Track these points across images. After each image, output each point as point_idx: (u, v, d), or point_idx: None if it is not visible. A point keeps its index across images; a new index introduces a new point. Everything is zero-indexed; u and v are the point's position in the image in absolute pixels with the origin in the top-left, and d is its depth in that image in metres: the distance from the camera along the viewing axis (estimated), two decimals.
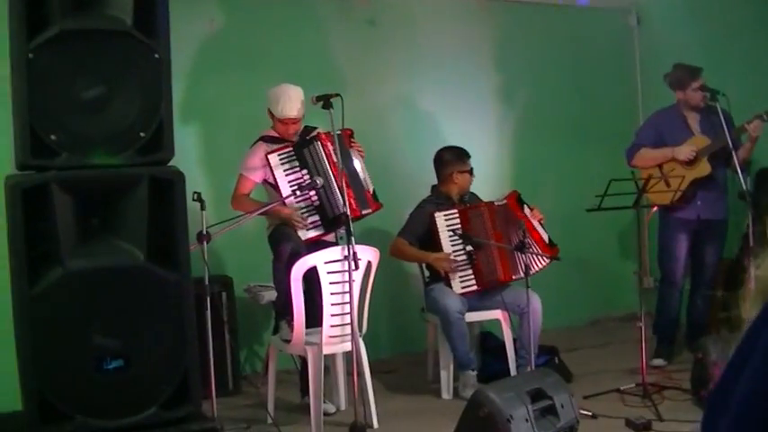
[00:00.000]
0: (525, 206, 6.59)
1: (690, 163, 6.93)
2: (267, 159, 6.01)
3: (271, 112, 6.10)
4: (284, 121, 6.04)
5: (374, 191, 6.30)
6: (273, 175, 6.01)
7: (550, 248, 6.51)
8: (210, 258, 5.36)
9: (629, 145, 7.30)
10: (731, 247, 7.60)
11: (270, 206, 5.94)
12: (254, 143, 6.20)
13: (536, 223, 6.55)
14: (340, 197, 5.78)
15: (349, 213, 5.48)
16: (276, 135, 6.17)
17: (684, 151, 6.92)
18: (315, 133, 6.09)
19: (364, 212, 6.12)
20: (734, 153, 6.43)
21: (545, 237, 6.55)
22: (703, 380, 5.75)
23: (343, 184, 5.76)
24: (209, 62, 7.35)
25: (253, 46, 7.53)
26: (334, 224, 5.97)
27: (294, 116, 6.04)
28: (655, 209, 6.84)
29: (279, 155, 6.03)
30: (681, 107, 7.17)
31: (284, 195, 5.95)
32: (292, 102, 6.01)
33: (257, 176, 6.16)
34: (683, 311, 7.46)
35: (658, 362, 7.23)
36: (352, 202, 5.92)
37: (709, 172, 6.92)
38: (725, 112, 6.79)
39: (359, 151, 6.30)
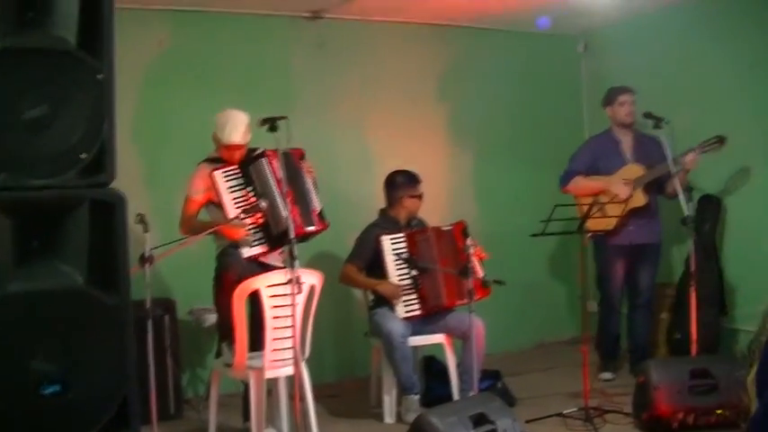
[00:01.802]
0: (469, 239, 6.59)
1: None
2: (212, 177, 5.97)
3: (216, 137, 6.06)
4: (229, 146, 6.01)
5: (322, 210, 6.28)
6: (219, 193, 5.97)
7: (482, 288, 6.47)
8: (154, 281, 5.30)
9: (562, 171, 7.42)
10: (675, 272, 7.68)
11: (217, 226, 5.91)
12: (198, 165, 6.17)
13: (475, 260, 6.52)
14: (284, 214, 5.74)
15: (293, 230, 5.46)
16: (219, 157, 6.13)
17: (620, 188, 7.04)
18: (260, 150, 6.06)
19: (308, 230, 6.07)
20: (676, 180, 6.51)
21: (480, 274, 6.52)
22: (645, 403, 5.79)
23: (287, 201, 5.72)
24: (158, 83, 7.33)
25: (202, 67, 7.51)
26: (277, 241, 5.94)
27: (239, 142, 6.01)
28: (589, 236, 6.91)
29: (224, 172, 6.00)
30: (613, 129, 7.39)
31: (230, 215, 5.91)
32: (238, 128, 5.99)
33: (201, 197, 6.12)
34: (623, 333, 7.58)
35: (606, 375, 7.43)
36: (297, 218, 5.89)
37: (646, 202, 7.06)
38: (655, 138, 7.00)
39: (309, 172, 6.28)
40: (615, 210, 6.86)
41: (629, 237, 7.26)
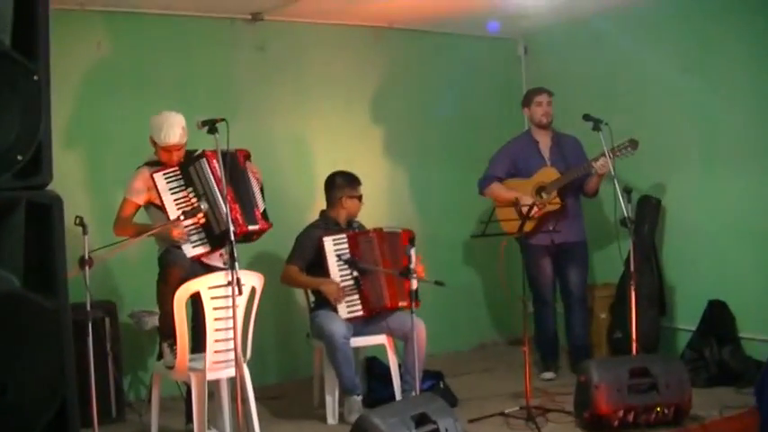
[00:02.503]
0: (413, 250, 6.57)
1: (539, 191, 7.31)
2: (153, 179, 5.95)
3: (153, 140, 6.04)
4: (167, 148, 5.99)
5: (265, 210, 6.27)
6: (159, 195, 5.94)
7: (414, 300, 6.39)
8: (94, 284, 5.27)
9: (481, 175, 7.52)
10: (615, 272, 7.76)
11: (157, 228, 5.88)
12: (138, 168, 6.13)
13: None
14: (225, 213, 5.73)
15: (234, 229, 5.44)
16: (159, 160, 6.10)
17: (527, 203, 7.12)
18: (200, 151, 6.04)
19: (251, 228, 6.05)
20: (615, 180, 6.58)
21: (414, 286, 6.45)
22: (586, 402, 5.83)
23: (228, 200, 5.69)
24: (96, 85, 7.26)
25: (141, 70, 7.46)
26: (219, 240, 5.92)
27: (176, 143, 5.98)
28: (506, 239, 6.98)
29: (164, 174, 5.98)
30: (532, 130, 7.56)
31: (171, 216, 5.88)
32: (174, 128, 5.96)
33: (140, 199, 6.08)
34: (560, 328, 7.65)
35: (548, 375, 7.52)
36: (239, 217, 5.89)
37: (560, 205, 7.16)
38: (572, 139, 7.37)
39: (253, 173, 6.27)
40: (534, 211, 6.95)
41: (550, 236, 7.35)
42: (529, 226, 6.90)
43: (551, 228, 7.14)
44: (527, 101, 7.65)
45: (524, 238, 6.91)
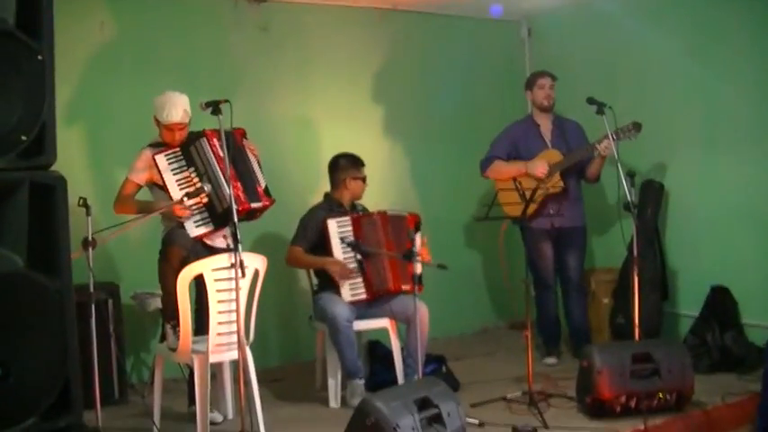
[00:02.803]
0: (418, 234, 6.59)
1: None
2: (154, 160, 5.95)
3: (157, 120, 6.03)
4: (170, 126, 5.98)
5: (267, 187, 6.25)
6: (161, 175, 5.94)
7: (417, 284, 6.39)
8: (97, 265, 5.26)
9: (483, 156, 7.48)
10: (617, 257, 7.74)
11: (162, 208, 5.87)
12: (141, 149, 6.12)
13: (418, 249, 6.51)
14: (227, 191, 5.72)
15: (237, 207, 5.43)
16: (162, 142, 6.10)
17: (537, 167, 7.15)
18: (200, 131, 6.03)
19: (254, 205, 6.04)
20: (618, 164, 6.56)
21: (418, 271, 6.45)
22: (588, 387, 5.83)
23: (230, 178, 5.67)
24: (99, 66, 7.23)
25: (144, 50, 7.43)
26: (222, 219, 5.91)
27: (179, 121, 5.97)
28: (507, 222, 6.96)
29: (166, 155, 5.98)
30: (534, 114, 7.54)
31: (174, 197, 5.88)
32: (176, 108, 5.95)
33: (141, 179, 6.08)
34: (561, 311, 7.67)
35: (551, 360, 7.51)
36: (241, 195, 5.88)
37: (562, 187, 7.14)
38: (573, 123, 7.35)
39: (251, 149, 6.26)
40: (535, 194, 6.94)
41: (551, 220, 7.36)
42: (530, 209, 6.89)
43: (552, 212, 7.14)
44: (530, 84, 7.65)
45: (525, 221, 6.91)
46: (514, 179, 7.27)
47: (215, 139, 5.94)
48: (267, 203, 6.19)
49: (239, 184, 5.94)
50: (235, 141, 6.04)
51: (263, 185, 6.22)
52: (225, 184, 5.80)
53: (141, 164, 6.08)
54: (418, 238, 6.57)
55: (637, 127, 6.82)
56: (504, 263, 6.54)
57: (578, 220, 7.53)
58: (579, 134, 7.46)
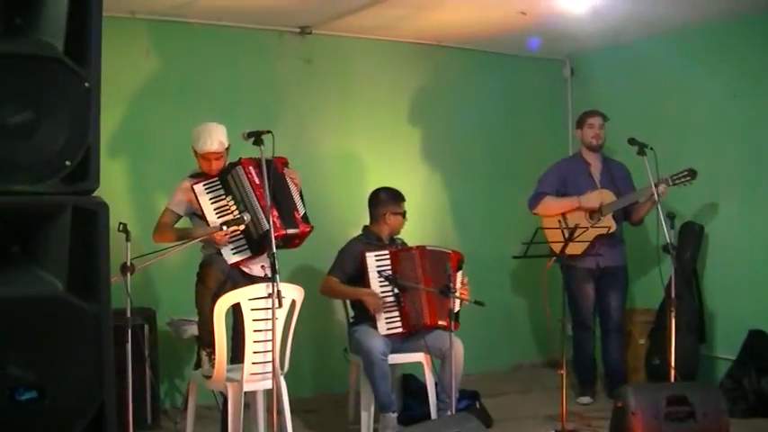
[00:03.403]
0: (460, 273, 6.61)
1: (593, 216, 7.17)
2: (193, 190, 6.00)
3: (194, 150, 6.10)
4: (206, 156, 6.04)
5: (305, 214, 6.27)
6: (200, 204, 5.99)
7: (454, 321, 6.37)
8: (134, 290, 5.31)
9: (531, 192, 7.48)
10: (654, 298, 7.71)
11: (199, 237, 5.92)
12: (181, 180, 6.21)
13: (458, 289, 6.53)
14: (264, 218, 5.77)
15: (273, 233, 5.46)
16: (201, 172, 6.16)
17: (591, 199, 7.15)
18: (237, 160, 6.08)
19: (290, 232, 6.04)
20: (659, 207, 6.55)
21: (455, 309, 6.44)
22: (621, 428, 5.77)
23: (267, 204, 5.70)
24: (144, 94, 7.33)
25: (189, 79, 7.52)
26: (258, 246, 5.94)
27: (214, 150, 6.03)
28: (553, 259, 6.94)
29: (204, 184, 6.04)
30: (583, 152, 7.53)
31: (211, 223, 5.93)
32: (212, 137, 6.02)
33: (180, 209, 6.17)
34: (598, 357, 7.59)
35: (585, 399, 7.48)
36: (277, 221, 5.89)
37: (615, 228, 7.14)
38: (620, 165, 7.39)
39: (291, 178, 6.29)
40: (586, 233, 6.91)
41: (597, 260, 7.36)
42: (578, 249, 6.90)
43: (599, 252, 7.14)
44: (580, 122, 7.64)
45: (569, 259, 6.90)
46: (562, 217, 7.25)
47: (251, 167, 5.99)
48: (305, 230, 6.20)
49: (275, 211, 5.97)
50: (275, 168, 6.08)
51: (301, 212, 6.24)
52: (261, 211, 5.85)
53: (180, 194, 6.16)
54: (459, 277, 6.57)
55: (692, 173, 6.83)
56: (547, 301, 6.49)
57: (622, 259, 7.53)
58: (626, 176, 7.44)
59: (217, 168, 6.10)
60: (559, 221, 7.25)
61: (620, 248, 7.52)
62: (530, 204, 7.55)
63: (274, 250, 5.32)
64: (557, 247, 6.77)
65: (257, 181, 5.92)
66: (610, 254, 7.35)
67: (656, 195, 6.82)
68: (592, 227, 6.87)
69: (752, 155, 7.44)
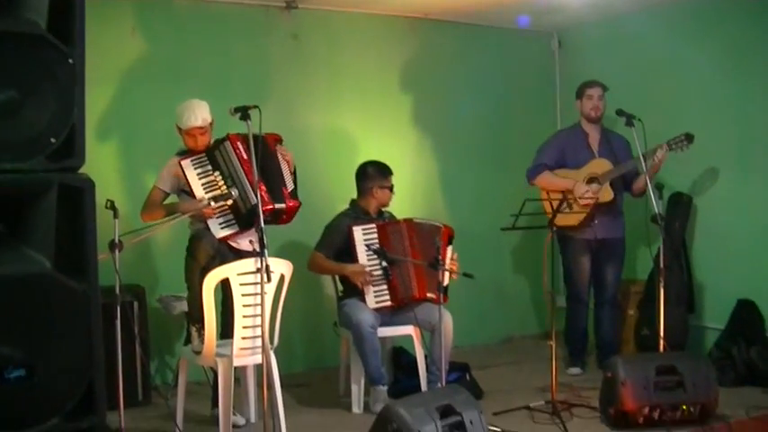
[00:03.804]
0: (450, 247, 6.63)
1: (591, 182, 7.21)
2: (180, 166, 6.00)
3: (178, 128, 6.11)
4: (190, 131, 6.05)
5: (294, 190, 6.27)
6: (187, 179, 5.99)
7: (443, 294, 6.40)
8: (123, 268, 5.30)
9: (530, 164, 7.46)
10: (643, 269, 7.73)
11: (188, 211, 5.93)
12: (170, 159, 6.20)
13: (448, 264, 6.56)
14: (252, 192, 5.78)
15: (261, 207, 5.45)
16: (188, 149, 6.17)
17: (582, 192, 7.10)
18: (225, 135, 6.07)
19: (277, 206, 6.03)
20: (647, 178, 6.56)
21: (445, 282, 6.48)
22: (612, 398, 5.82)
23: (255, 179, 5.69)
24: (130, 72, 7.29)
25: (174, 57, 7.47)
26: (246, 220, 5.94)
27: (199, 125, 6.04)
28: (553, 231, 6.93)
29: (191, 160, 6.04)
30: (582, 123, 7.48)
31: (199, 198, 5.93)
32: (195, 113, 6.03)
33: (167, 186, 6.17)
34: (590, 325, 7.61)
35: (575, 370, 7.47)
36: (265, 195, 5.88)
37: (612, 197, 7.11)
38: (619, 136, 7.26)
39: (284, 155, 6.28)
40: (582, 206, 6.93)
41: (595, 231, 7.34)
42: (576, 219, 6.89)
43: (596, 222, 7.14)
44: (579, 93, 7.56)
45: (567, 230, 6.88)
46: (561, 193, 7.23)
47: (239, 143, 5.99)
48: (292, 205, 6.19)
49: (263, 186, 5.95)
50: (267, 145, 6.07)
51: (289, 188, 6.23)
52: (249, 185, 5.86)
53: (168, 171, 6.16)
54: (449, 252, 6.59)
55: (689, 138, 6.81)
56: (546, 274, 6.48)
57: (620, 232, 7.49)
58: (625, 146, 7.34)
59: (202, 144, 6.09)
60: (563, 194, 7.18)
61: (620, 220, 7.50)
62: (528, 176, 7.51)
63: (263, 224, 5.31)
64: (561, 220, 6.78)
65: (245, 156, 5.91)
66: (608, 225, 7.35)
67: (656, 158, 6.82)
68: (585, 196, 6.86)
69: (740, 127, 7.44)
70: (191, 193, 6.01)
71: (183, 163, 6.01)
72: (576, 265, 7.49)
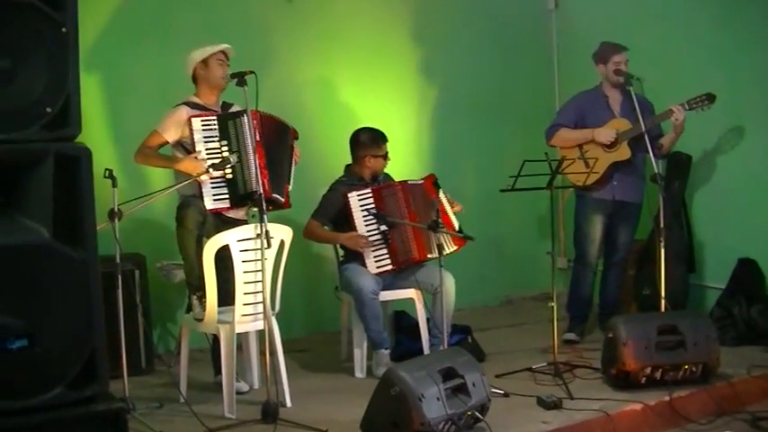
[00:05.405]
0: (441, 191, 6.63)
1: (610, 146, 7.04)
2: (190, 122, 5.88)
3: (196, 65, 6.04)
4: (218, 56, 6.02)
5: (290, 191, 6.25)
6: (193, 139, 5.88)
7: (460, 239, 6.49)
8: (123, 236, 5.30)
9: (549, 124, 7.39)
10: (643, 229, 7.72)
11: (177, 161, 5.92)
12: (177, 105, 6.05)
13: (449, 209, 6.60)
14: (255, 175, 5.71)
15: (261, 190, 5.43)
16: (200, 102, 6.07)
17: (604, 134, 7.03)
18: (246, 108, 5.83)
19: (275, 196, 5.98)
20: (646, 136, 6.53)
21: (456, 225, 6.56)
22: (613, 359, 5.82)
23: (259, 165, 5.65)
24: (123, 37, 7.19)
25: (167, 20, 7.39)
26: (242, 201, 5.91)
27: (225, 48, 6.03)
28: (570, 190, 6.89)
29: (202, 120, 5.90)
30: (603, 86, 7.29)
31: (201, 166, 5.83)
32: (218, 45, 6.01)
33: (170, 135, 5.98)
34: (595, 291, 7.58)
35: (570, 336, 7.35)
36: (266, 182, 5.82)
37: (629, 156, 7.03)
38: (642, 98, 6.93)
39: (295, 153, 6.28)
40: (599, 161, 6.85)
41: (613, 192, 7.20)
42: (593, 178, 6.85)
43: (615, 182, 7.07)
44: (603, 58, 7.29)
45: (585, 190, 6.83)
46: (580, 147, 7.14)
47: (256, 122, 5.85)
48: (285, 203, 6.17)
49: (267, 173, 5.88)
50: (288, 138, 6.02)
51: (289, 187, 6.20)
52: (254, 167, 5.78)
53: (174, 120, 5.99)
54: (443, 197, 6.59)
55: (710, 98, 6.72)
56: (562, 233, 6.43)
57: (638, 196, 7.30)
58: (648, 107, 7.14)
59: (217, 100, 6.07)
60: (580, 153, 7.10)
61: (639, 184, 7.25)
62: (546, 136, 7.36)
63: (262, 196, 5.29)
64: (575, 179, 6.74)
65: (258, 137, 5.83)
66: (628, 188, 7.20)
67: (674, 119, 6.77)
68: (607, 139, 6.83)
69: (734, 81, 7.37)
70: (191, 152, 5.93)
71: (193, 119, 5.89)
72: (589, 226, 7.34)
